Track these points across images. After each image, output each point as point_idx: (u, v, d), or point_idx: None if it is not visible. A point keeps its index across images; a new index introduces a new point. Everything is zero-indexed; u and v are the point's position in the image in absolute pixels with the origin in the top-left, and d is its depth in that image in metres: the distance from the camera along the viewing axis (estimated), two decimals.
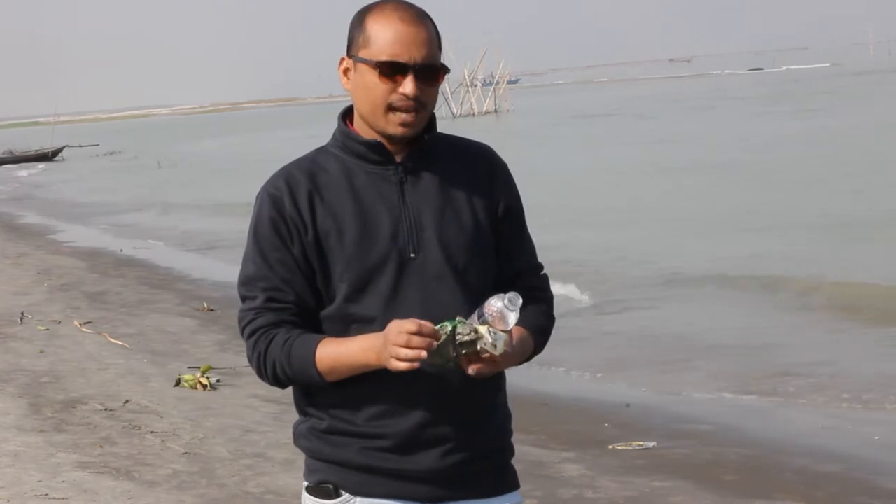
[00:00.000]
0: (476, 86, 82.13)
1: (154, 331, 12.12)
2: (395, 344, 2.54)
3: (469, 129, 49.24)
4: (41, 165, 60.95)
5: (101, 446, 7.47)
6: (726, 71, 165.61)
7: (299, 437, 2.82)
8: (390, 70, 2.69)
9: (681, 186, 25.99)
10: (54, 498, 6.36)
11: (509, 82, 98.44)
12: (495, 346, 2.55)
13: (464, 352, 2.56)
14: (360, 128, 2.78)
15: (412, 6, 2.73)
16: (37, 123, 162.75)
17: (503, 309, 2.55)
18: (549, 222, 17.85)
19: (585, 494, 7.02)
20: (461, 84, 79.57)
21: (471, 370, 2.58)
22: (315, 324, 2.74)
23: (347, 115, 2.82)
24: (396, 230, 2.72)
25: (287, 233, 2.72)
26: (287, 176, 2.76)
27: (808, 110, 50.91)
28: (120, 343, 11.20)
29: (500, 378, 2.83)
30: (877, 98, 57.27)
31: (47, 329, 11.75)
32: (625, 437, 8.37)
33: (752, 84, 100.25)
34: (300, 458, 2.92)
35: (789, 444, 8.20)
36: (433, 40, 2.72)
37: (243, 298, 2.77)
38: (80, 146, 73.75)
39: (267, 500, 6.62)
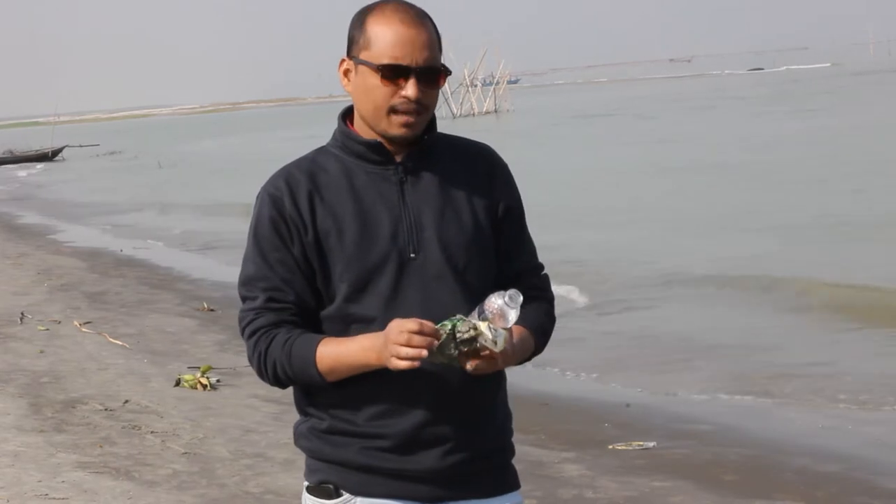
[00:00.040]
0: (476, 86, 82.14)
1: (154, 331, 12.12)
2: (396, 343, 2.54)
3: (469, 129, 49.24)
4: (39, 165, 60.92)
5: (100, 446, 7.47)
6: (726, 71, 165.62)
7: (300, 437, 2.82)
8: (392, 73, 2.68)
9: (681, 186, 25.99)
10: (54, 498, 6.36)
11: (509, 82, 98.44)
12: (495, 343, 2.55)
13: (465, 349, 2.56)
14: (359, 128, 2.78)
15: (412, 6, 2.73)
16: (37, 123, 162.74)
17: (503, 306, 2.55)
18: (549, 222, 17.85)
19: (585, 494, 7.02)
20: (461, 84, 79.57)
21: (468, 366, 2.58)
22: (315, 324, 2.74)
23: (347, 115, 2.83)
24: (396, 230, 2.72)
25: (287, 233, 2.72)
26: (287, 176, 2.76)
27: (808, 110, 50.91)
28: (120, 343, 11.20)
29: (500, 378, 2.83)
30: (877, 98, 57.26)
31: (47, 329, 11.75)
32: (625, 437, 8.37)
33: (752, 84, 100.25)
34: (300, 458, 2.92)
35: (789, 444, 8.20)
36: (434, 42, 2.72)
37: (243, 298, 2.77)
38: (81, 146, 73.74)
39: (267, 500, 6.62)
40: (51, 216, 29.67)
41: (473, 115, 77.48)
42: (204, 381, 9.42)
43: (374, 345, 2.61)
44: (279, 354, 2.69)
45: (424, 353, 2.53)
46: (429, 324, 2.54)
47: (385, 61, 2.68)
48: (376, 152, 2.76)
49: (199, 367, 9.79)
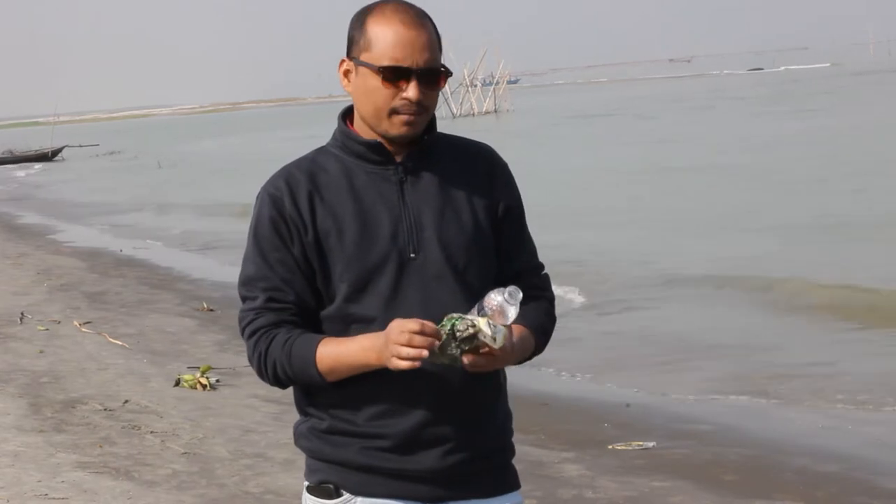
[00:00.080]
0: (476, 86, 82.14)
1: (154, 331, 12.12)
2: (396, 343, 2.54)
3: (469, 129, 49.22)
4: (38, 166, 60.89)
5: (100, 446, 7.47)
6: (725, 71, 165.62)
7: (300, 437, 2.82)
8: (393, 75, 2.68)
9: (681, 186, 25.99)
10: (54, 498, 6.36)
11: (509, 82, 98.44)
12: (494, 340, 2.55)
13: (466, 348, 2.56)
14: (359, 128, 2.78)
15: (412, 7, 2.73)
16: (37, 123, 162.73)
17: (503, 303, 2.55)
18: (549, 222, 17.84)
19: (585, 494, 7.01)
20: (461, 84, 79.57)
21: (465, 359, 2.58)
22: (315, 324, 2.74)
23: (347, 115, 2.82)
24: (396, 230, 2.72)
25: (287, 233, 2.72)
26: (287, 176, 2.76)
27: (807, 110, 50.92)
28: (120, 343, 11.20)
29: (500, 378, 2.83)
30: (877, 98, 57.27)
31: (47, 329, 11.75)
32: (624, 437, 8.37)
33: (751, 84, 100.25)
34: (300, 458, 2.92)
35: (789, 444, 8.20)
36: (434, 42, 2.72)
37: (243, 299, 2.77)
38: (80, 146, 73.75)
39: (267, 500, 6.62)
40: (51, 216, 29.68)
41: (473, 115, 77.48)
42: (203, 381, 9.42)
43: (374, 345, 2.61)
44: (279, 354, 2.69)
45: (425, 353, 2.53)
46: (430, 324, 2.54)
47: (386, 63, 2.68)
48: (376, 152, 2.76)
49: (198, 367, 9.79)
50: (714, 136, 40.03)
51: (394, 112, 2.70)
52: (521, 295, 2.57)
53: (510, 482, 2.84)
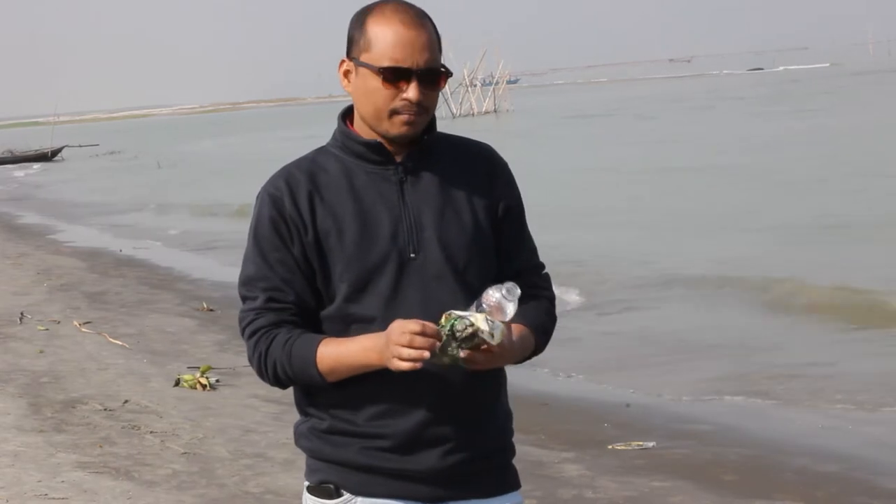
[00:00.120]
0: (476, 86, 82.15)
1: (154, 331, 12.12)
2: (397, 344, 2.54)
3: (469, 129, 49.20)
4: (36, 166, 60.88)
5: (100, 446, 7.47)
6: (725, 71, 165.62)
7: (300, 437, 2.82)
8: (393, 76, 2.68)
9: (681, 186, 25.99)
10: (54, 498, 6.36)
11: (509, 82, 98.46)
12: (492, 336, 2.55)
13: (466, 347, 2.56)
14: (359, 128, 2.78)
15: (412, 7, 2.72)
16: (37, 123, 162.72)
17: (501, 299, 2.55)
18: (549, 222, 17.84)
19: (585, 494, 7.02)
20: (461, 84, 79.57)
21: (462, 354, 2.58)
22: (315, 324, 2.74)
23: (347, 115, 2.82)
24: (396, 230, 2.72)
25: (287, 233, 2.72)
26: (287, 176, 2.76)
27: (807, 110, 50.92)
28: (120, 343, 11.20)
29: (501, 378, 2.83)
30: (876, 98, 57.27)
31: (47, 329, 11.75)
32: (624, 437, 8.37)
33: (751, 84, 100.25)
34: (300, 458, 2.92)
35: (789, 444, 8.20)
36: (434, 43, 2.72)
37: (244, 299, 2.77)
38: (80, 146, 73.76)
39: (267, 500, 6.62)
40: (50, 216, 29.68)
41: (473, 115, 77.48)
42: (203, 381, 9.42)
43: (375, 345, 2.61)
44: (279, 355, 2.69)
45: (426, 354, 2.53)
46: (431, 325, 2.54)
47: (386, 63, 2.68)
48: (376, 152, 2.76)
49: (198, 367, 9.79)
50: (714, 136, 40.03)
51: (394, 112, 2.70)
52: (518, 291, 2.57)
53: (510, 482, 2.84)
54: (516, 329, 2.68)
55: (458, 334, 2.54)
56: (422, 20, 2.70)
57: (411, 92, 2.68)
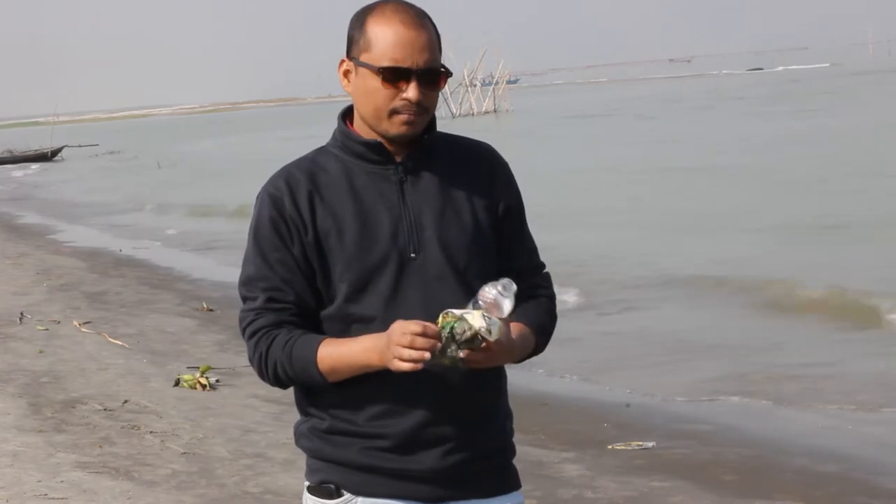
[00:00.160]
0: (475, 86, 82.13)
1: (154, 331, 12.12)
2: (398, 344, 2.54)
3: (468, 129, 49.15)
4: (36, 166, 60.85)
5: (100, 446, 7.47)
6: (725, 71, 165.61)
7: (300, 437, 2.82)
8: (393, 76, 2.68)
9: (681, 186, 25.99)
10: (54, 498, 6.36)
11: (509, 82, 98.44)
12: (490, 332, 2.55)
13: (466, 348, 2.56)
14: (359, 128, 2.78)
15: (412, 7, 2.72)
16: (37, 123, 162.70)
17: (498, 296, 2.56)
18: (549, 222, 17.85)
19: (585, 494, 7.02)
20: (461, 84, 79.56)
21: (461, 353, 2.58)
22: (315, 324, 2.74)
23: (347, 115, 2.82)
24: (396, 230, 2.72)
25: (287, 233, 2.72)
26: (287, 176, 2.76)
27: (807, 110, 50.92)
28: (119, 343, 11.20)
29: (501, 377, 2.83)
30: (876, 98, 57.27)
31: (47, 329, 11.75)
32: (624, 437, 8.37)
33: (751, 84, 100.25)
34: (300, 458, 2.92)
35: (789, 444, 8.20)
36: (434, 43, 2.72)
37: (244, 299, 2.77)
38: (80, 146, 73.75)
39: (267, 500, 6.62)
40: (50, 216, 29.68)
41: (473, 115, 77.47)
42: (203, 381, 9.42)
43: (376, 346, 2.61)
44: (280, 355, 2.69)
45: (427, 355, 2.53)
46: (432, 326, 2.54)
47: (386, 63, 2.68)
48: (376, 152, 2.76)
49: (198, 367, 9.79)
50: (714, 136, 40.03)
51: (394, 112, 2.70)
52: (514, 287, 2.57)
53: (510, 482, 2.84)
54: (516, 328, 2.68)
55: (457, 337, 2.54)
56: (422, 20, 2.70)
57: (411, 92, 2.68)
